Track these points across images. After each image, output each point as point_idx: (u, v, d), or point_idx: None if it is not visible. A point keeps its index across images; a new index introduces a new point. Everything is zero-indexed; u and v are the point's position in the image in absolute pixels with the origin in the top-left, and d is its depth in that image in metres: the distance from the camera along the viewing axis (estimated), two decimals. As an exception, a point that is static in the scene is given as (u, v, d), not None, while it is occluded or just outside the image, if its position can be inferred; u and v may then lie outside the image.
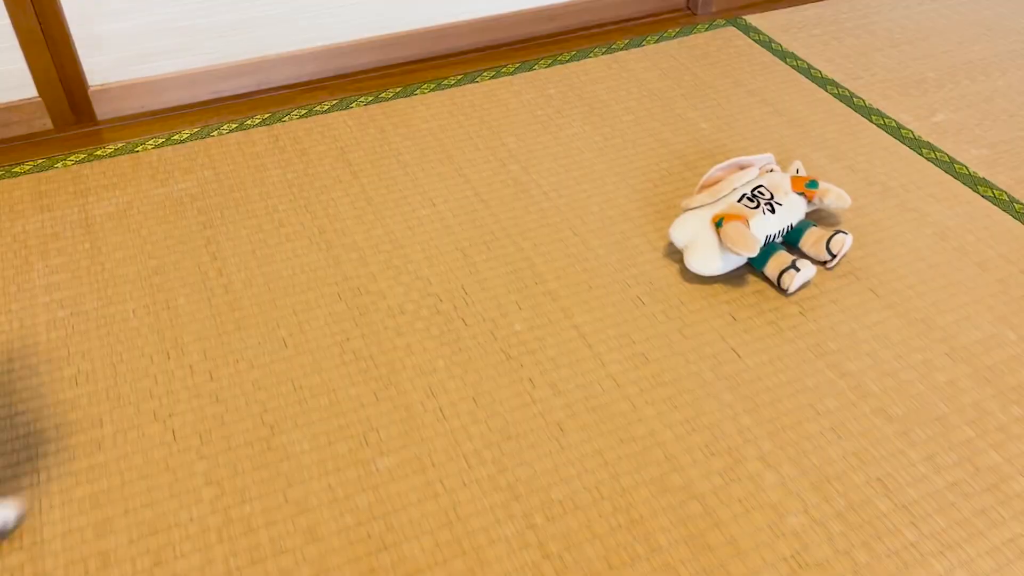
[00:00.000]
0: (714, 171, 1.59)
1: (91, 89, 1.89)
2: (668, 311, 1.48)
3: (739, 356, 1.40)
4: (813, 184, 1.61)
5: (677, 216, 1.60)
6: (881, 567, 1.11)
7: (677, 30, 2.32)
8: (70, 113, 1.90)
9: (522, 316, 1.47)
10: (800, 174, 1.66)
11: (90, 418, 1.29)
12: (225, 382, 1.35)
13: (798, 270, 1.49)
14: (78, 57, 1.85)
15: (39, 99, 1.86)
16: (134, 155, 1.83)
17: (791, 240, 1.59)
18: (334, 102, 2.01)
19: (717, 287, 1.52)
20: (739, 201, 1.54)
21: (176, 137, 1.89)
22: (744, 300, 1.50)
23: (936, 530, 1.15)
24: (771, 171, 1.63)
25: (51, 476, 1.21)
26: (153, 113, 1.96)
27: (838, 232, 1.56)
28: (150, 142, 1.87)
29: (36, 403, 1.31)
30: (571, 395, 1.33)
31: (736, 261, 1.52)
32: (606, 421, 1.29)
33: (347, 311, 1.47)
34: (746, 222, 1.50)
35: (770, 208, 1.53)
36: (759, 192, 1.54)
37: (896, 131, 1.94)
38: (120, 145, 1.86)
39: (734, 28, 2.33)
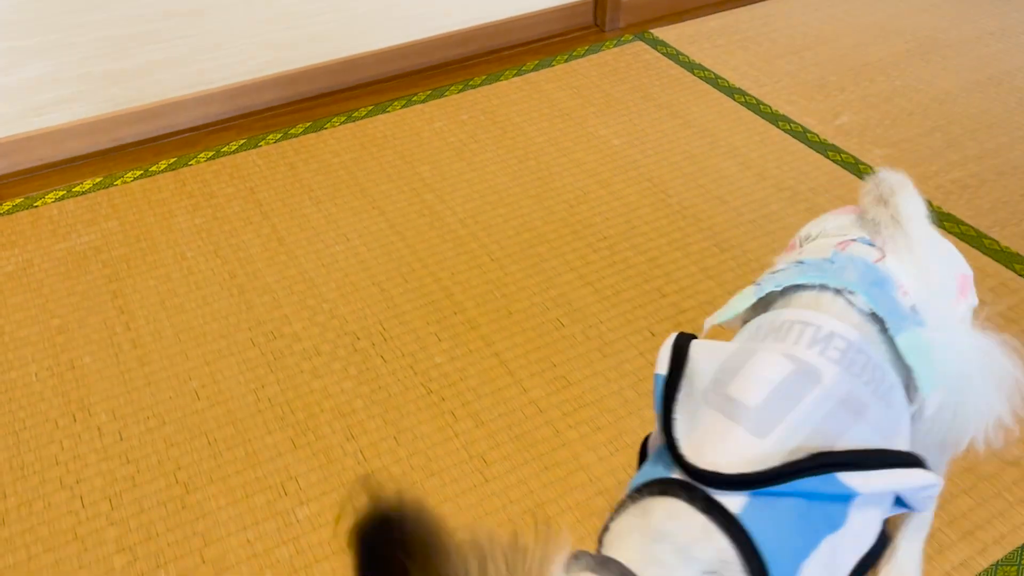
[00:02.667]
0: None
1: (-16, 145, 1.83)
2: (587, 331, 1.48)
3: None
4: None
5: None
6: (806, 573, 1.12)
7: (586, 48, 2.34)
8: (-37, 171, 1.83)
9: (442, 348, 1.45)
10: None
11: (-9, 492, 1.23)
12: (135, 441, 1.30)
13: None
14: (-32, 112, 1.78)
15: (-71, 158, 1.79)
16: (33, 210, 1.76)
17: None
18: (242, 142, 1.97)
19: (634, 303, 1.53)
20: None
21: (77, 188, 1.83)
22: (661, 314, 1.51)
23: (857, 531, 1.16)
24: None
25: (-50, 558, 1.15)
26: (52, 165, 1.90)
27: None
28: (49, 195, 1.81)
29: (-68, 481, 1.24)
30: (493, 425, 1.32)
31: None
32: (529, 448, 1.28)
33: (261, 357, 1.43)
34: None
35: None
36: None
37: (803, 135, 1.98)
38: (18, 201, 1.79)
39: (642, 43, 2.36)
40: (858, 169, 1.86)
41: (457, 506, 1.20)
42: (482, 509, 1.20)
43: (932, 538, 1.16)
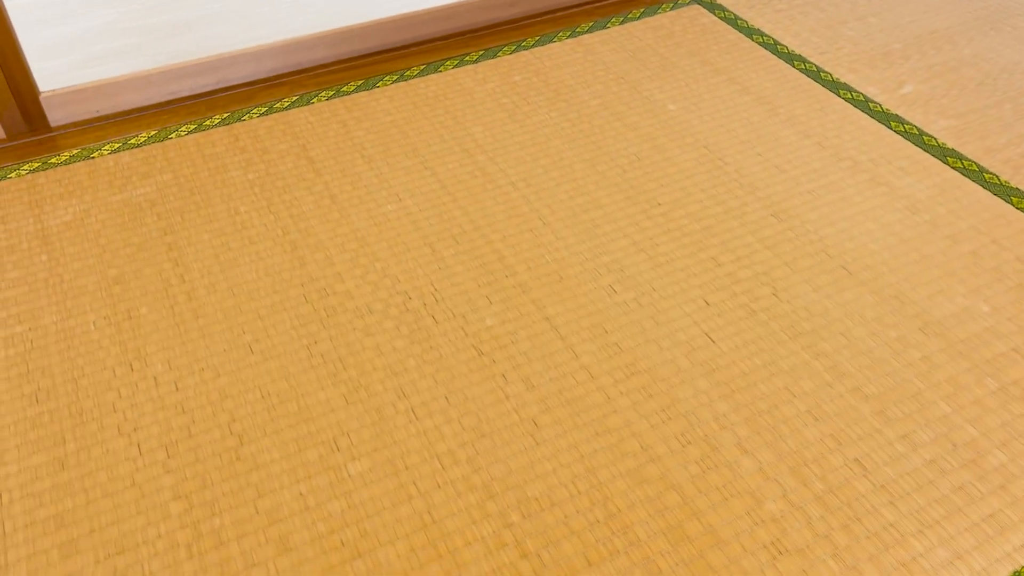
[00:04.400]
0: None
1: (43, 95, 1.84)
2: (640, 298, 1.46)
3: (713, 341, 1.38)
4: None
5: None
6: (860, 549, 1.10)
7: (642, 10, 2.29)
8: (22, 121, 1.85)
9: (493, 310, 1.44)
10: None
11: (52, 436, 1.26)
12: (191, 392, 1.32)
13: None
14: (27, 63, 1.79)
15: (-11, 107, 1.81)
16: (90, 161, 1.78)
17: None
18: (294, 98, 1.97)
19: (689, 271, 1.51)
20: None
21: (133, 141, 1.84)
22: (716, 283, 1.48)
23: (915, 509, 1.14)
24: None
25: (14, 498, 1.18)
26: (108, 117, 1.91)
27: None
28: (106, 147, 1.82)
29: (-4, 423, 1.27)
30: (545, 389, 1.31)
31: None
32: (581, 414, 1.28)
33: (314, 313, 1.44)
34: None
35: None
36: None
37: (864, 104, 1.93)
38: (75, 152, 1.81)
39: (699, 6, 2.30)
40: (922, 140, 1.81)
41: (508, 468, 1.20)
42: (532, 472, 1.20)
43: (993, 519, 1.13)
